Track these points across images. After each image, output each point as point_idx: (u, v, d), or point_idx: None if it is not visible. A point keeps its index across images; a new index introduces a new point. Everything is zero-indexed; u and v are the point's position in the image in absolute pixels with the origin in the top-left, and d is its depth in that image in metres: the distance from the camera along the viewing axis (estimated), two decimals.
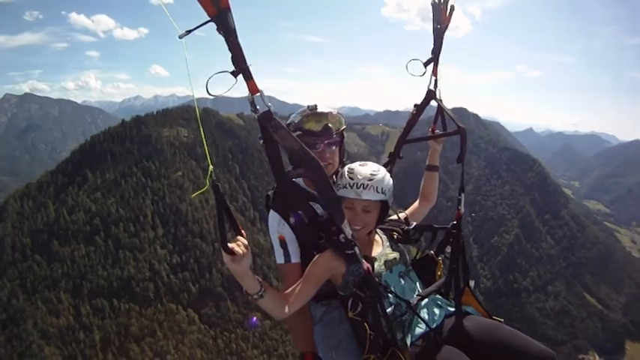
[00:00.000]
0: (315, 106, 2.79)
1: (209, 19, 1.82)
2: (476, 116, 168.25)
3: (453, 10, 3.05)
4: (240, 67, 1.91)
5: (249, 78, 1.94)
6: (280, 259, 2.74)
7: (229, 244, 1.98)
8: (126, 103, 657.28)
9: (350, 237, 2.37)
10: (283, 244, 2.72)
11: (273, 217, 2.78)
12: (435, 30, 3.11)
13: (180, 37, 1.84)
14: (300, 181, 2.78)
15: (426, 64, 3.17)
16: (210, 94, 1.87)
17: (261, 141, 2.21)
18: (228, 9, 1.82)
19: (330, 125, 2.74)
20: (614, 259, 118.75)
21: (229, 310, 74.31)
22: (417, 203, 3.38)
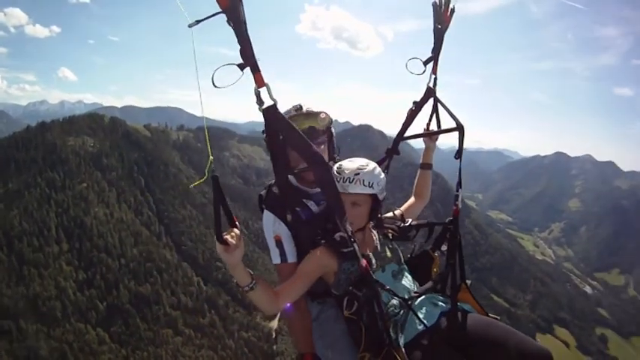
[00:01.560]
0: (300, 106, 2.74)
1: (220, 10, 1.83)
2: (381, 133, 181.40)
3: (454, 11, 3.06)
4: (248, 60, 1.91)
5: (256, 71, 1.94)
6: (276, 259, 2.70)
7: (223, 235, 2.01)
8: (31, 107, 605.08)
9: (349, 234, 2.34)
10: (279, 243, 2.67)
11: (268, 216, 2.73)
12: (435, 30, 3.10)
13: (190, 26, 1.82)
14: (292, 179, 2.74)
15: (425, 63, 3.17)
16: (215, 85, 1.82)
17: (265, 135, 2.29)
18: (240, 1, 1.84)
19: (315, 126, 2.69)
20: (518, 262, 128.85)
21: (139, 327, 71.06)
22: (411, 200, 3.38)
